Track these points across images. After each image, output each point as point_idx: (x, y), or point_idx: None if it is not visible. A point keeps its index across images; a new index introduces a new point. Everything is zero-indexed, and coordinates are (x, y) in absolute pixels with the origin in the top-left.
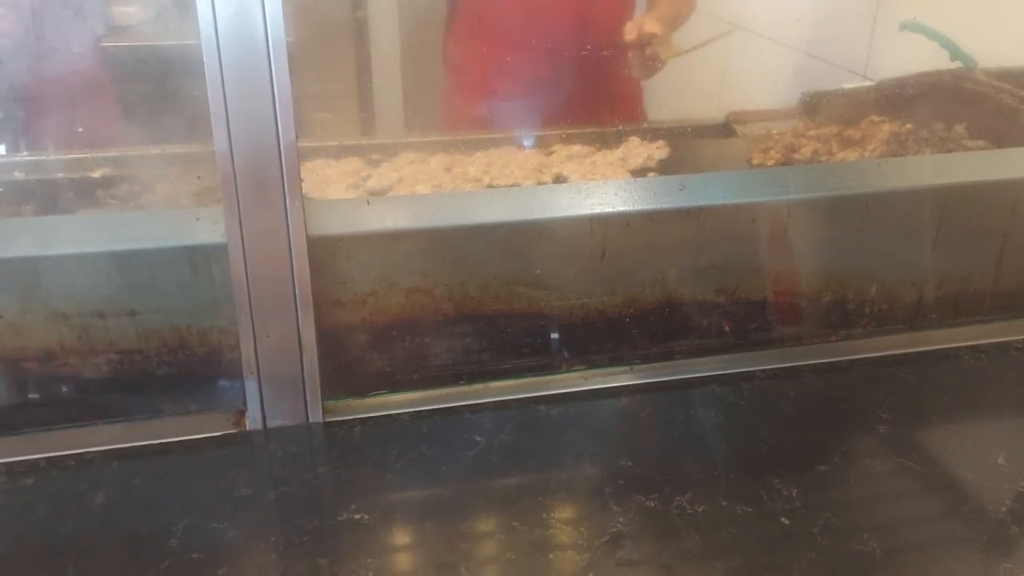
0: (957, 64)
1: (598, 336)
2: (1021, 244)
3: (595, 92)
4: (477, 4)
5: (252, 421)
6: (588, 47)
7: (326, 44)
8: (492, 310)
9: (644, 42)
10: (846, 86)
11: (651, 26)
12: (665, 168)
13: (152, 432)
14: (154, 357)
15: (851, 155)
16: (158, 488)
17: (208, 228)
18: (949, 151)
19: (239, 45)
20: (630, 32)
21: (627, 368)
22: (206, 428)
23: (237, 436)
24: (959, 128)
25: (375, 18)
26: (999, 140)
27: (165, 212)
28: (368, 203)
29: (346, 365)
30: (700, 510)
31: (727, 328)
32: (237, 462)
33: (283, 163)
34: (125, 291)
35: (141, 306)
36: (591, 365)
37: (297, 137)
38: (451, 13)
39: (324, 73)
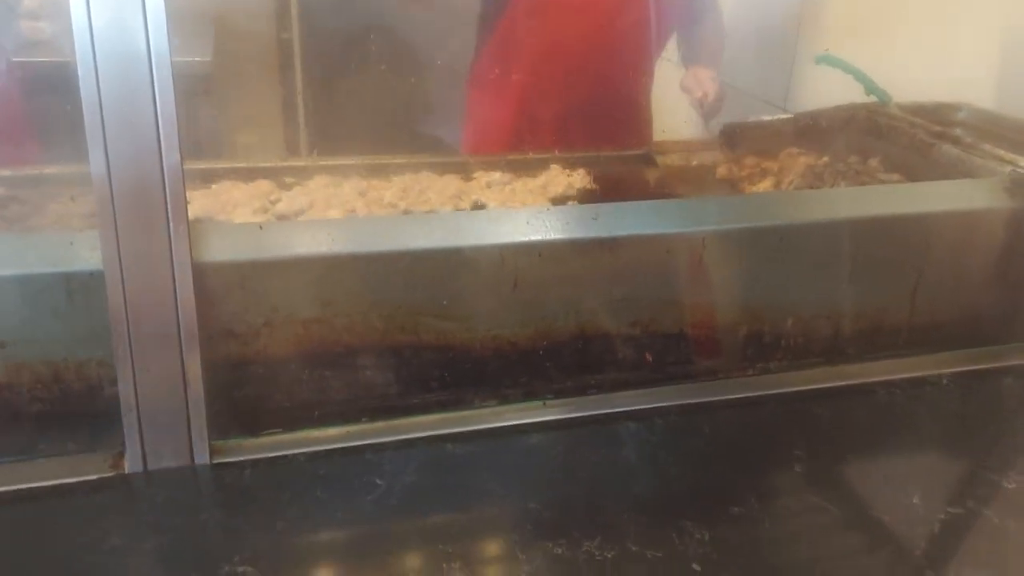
0: (872, 98)
1: (510, 370)
2: (935, 278)
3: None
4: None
5: (132, 463)
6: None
7: (247, 65)
8: (398, 342)
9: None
10: (765, 118)
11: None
12: (586, 197)
13: (22, 476)
14: (26, 393)
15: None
16: (23, 539)
17: (84, 254)
18: (864, 184)
19: (118, 59)
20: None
21: (540, 403)
22: (81, 471)
23: (115, 479)
24: (874, 162)
25: (300, 40)
26: (913, 174)
27: (39, 236)
28: (261, 228)
29: (237, 402)
30: (609, 556)
31: (648, 358)
32: (113, 509)
33: (167, 186)
34: None
35: (11, 337)
36: (503, 400)
37: (182, 158)
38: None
39: (241, 94)
